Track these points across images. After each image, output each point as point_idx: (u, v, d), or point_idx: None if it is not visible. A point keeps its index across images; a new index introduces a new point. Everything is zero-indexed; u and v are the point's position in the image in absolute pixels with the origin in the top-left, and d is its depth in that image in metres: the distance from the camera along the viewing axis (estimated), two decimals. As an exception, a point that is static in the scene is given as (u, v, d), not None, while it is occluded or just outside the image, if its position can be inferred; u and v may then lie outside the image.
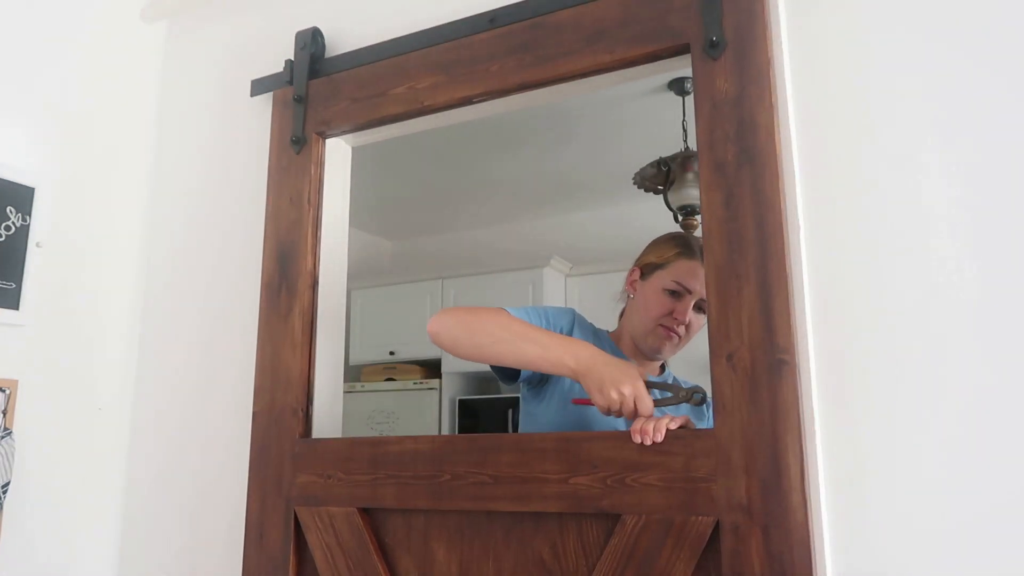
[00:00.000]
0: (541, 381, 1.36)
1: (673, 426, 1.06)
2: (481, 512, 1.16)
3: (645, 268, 1.43)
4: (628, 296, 1.46)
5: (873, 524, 0.95)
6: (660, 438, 1.05)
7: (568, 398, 1.33)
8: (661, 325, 1.37)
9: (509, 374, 1.34)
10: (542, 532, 1.12)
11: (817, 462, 0.98)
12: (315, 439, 1.34)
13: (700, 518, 1.01)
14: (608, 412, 1.14)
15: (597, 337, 1.40)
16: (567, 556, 1.10)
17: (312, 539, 1.27)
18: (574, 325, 1.37)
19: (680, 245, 1.39)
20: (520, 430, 1.43)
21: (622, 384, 1.11)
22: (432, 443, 1.22)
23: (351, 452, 1.27)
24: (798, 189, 1.06)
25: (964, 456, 0.92)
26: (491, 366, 1.33)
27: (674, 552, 1.02)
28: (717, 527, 1.00)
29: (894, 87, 1.03)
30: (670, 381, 1.45)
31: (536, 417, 1.38)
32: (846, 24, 1.07)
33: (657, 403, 1.15)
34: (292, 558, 1.28)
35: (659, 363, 1.48)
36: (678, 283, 1.36)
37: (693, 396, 1.19)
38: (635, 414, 1.11)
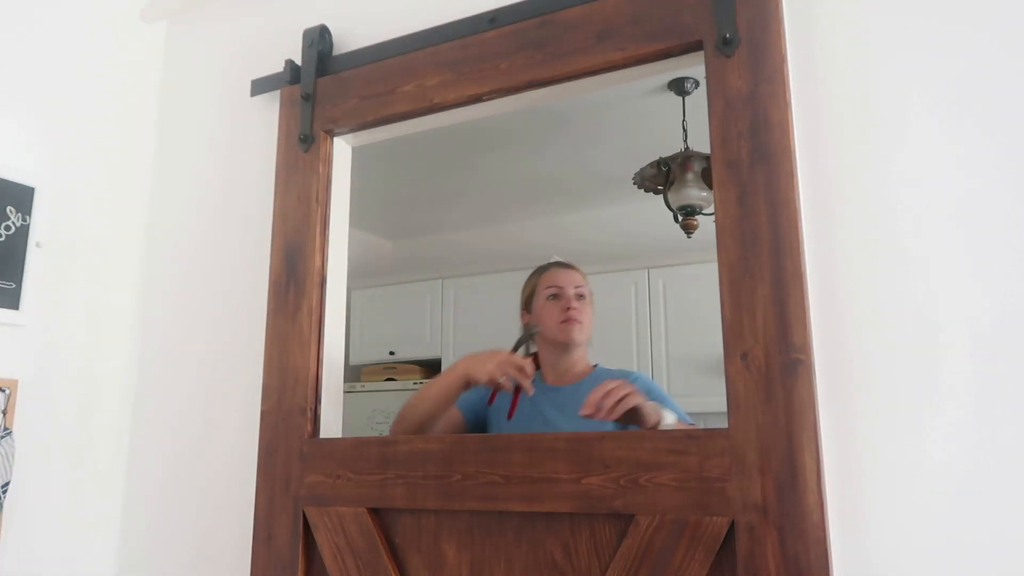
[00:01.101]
0: (485, 420, 1.62)
1: (623, 393, 1.27)
2: (492, 512, 1.15)
3: (526, 304, 1.71)
4: (533, 330, 1.68)
5: (883, 525, 0.95)
6: (614, 413, 1.26)
7: (501, 419, 1.58)
8: (561, 321, 1.61)
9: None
10: (554, 532, 1.12)
11: (824, 463, 0.98)
12: (323, 439, 1.33)
13: (715, 518, 1.00)
14: (495, 383, 1.43)
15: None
16: (579, 556, 1.10)
17: (321, 539, 1.26)
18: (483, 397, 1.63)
19: (532, 273, 1.71)
20: None
21: (488, 358, 1.43)
22: (442, 443, 1.21)
23: (360, 452, 1.26)
24: (810, 187, 1.05)
25: (978, 457, 0.92)
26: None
27: (688, 553, 1.01)
28: (732, 527, 0.99)
29: (907, 83, 1.03)
30: (591, 379, 1.62)
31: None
32: (859, 20, 1.06)
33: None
34: (301, 558, 1.27)
35: (585, 367, 1.67)
36: (551, 287, 1.64)
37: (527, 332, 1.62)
38: (519, 370, 1.41)
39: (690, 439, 1.04)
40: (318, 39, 1.47)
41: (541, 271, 1.69)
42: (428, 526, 1.20)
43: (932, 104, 1.01)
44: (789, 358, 0.99)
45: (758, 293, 1.03)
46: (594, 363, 1.68)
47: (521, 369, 1.42)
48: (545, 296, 1.64)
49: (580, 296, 1.64)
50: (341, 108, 1.42)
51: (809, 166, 1.06)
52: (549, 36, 1.25)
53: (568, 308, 1.61)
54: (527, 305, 1.69)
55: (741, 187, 1.06)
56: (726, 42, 1.09)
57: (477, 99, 1.31)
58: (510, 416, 1.56)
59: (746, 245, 1.04)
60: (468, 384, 1.44)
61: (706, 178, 2.65)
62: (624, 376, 1.55)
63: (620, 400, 1.28)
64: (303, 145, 1.44)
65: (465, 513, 1.18)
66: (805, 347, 0.99)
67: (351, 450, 1.27)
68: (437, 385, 1.47)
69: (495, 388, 1.51)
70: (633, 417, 1.32)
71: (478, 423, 1.61)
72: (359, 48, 1.44)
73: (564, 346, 1.62)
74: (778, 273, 1.02)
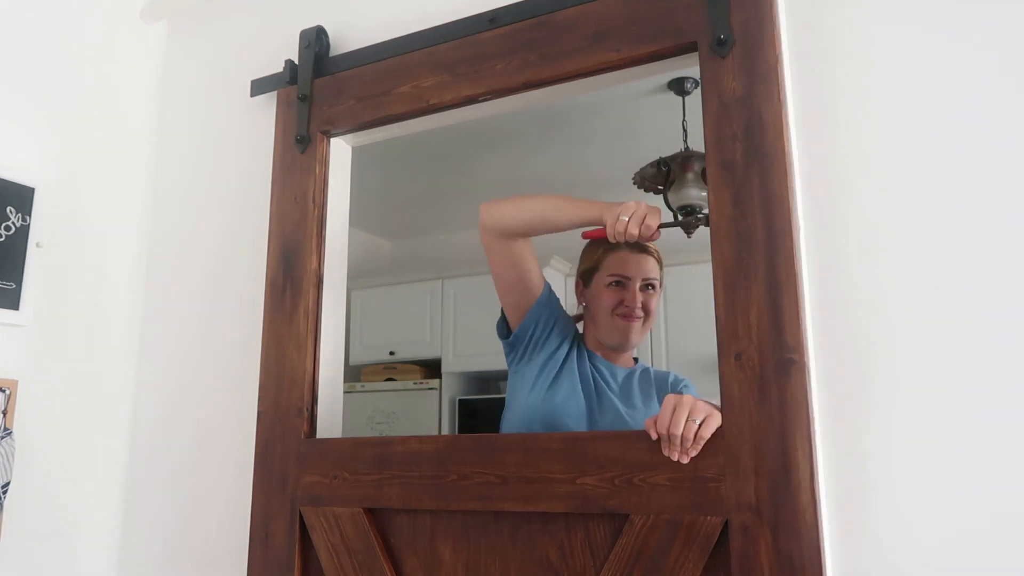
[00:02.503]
0: (528, 345, 1.43)
1: (704, 431, 1.02)
2: (488, 512, 1.16)
3: (584, 276, 1.51)
4: (583, 306, 1.53)
5: (877, 524, 0.95)
6: (695, 451, 1.02)
7: (551, 368, 1.41)
8: (617, 315, 1.43)
9: (504, 331, 1.46)
10: (549, 532, 1.12)
11: (818, 462, 0.98)
12: (320, 439, 1.34)
13: (709, 518, 1.01)
14: (617, 232, 1.21)
15: (578, 348, 1.47)
16: (574, 556, 1.10)
17: (318, 539, 1.27)
18: (568, 328, 1.46)
19: (603, 244, 1.45)
20: (507, 395, 1.48)
21: (634, 206, 1.20)
22: (438, 443, 1.22)
23: (356, 452, 1.26)
24: (804, 188, 1.05)
25: (972, 456, 0.92)
26: (498, 326, 1.47)
27: (683, 552, 1.01)
28: (726, 527, 0.99)
29: (903, 84, 1.03)
30: (640, 372, 1.50)
31: (523, 375, 1.43)
32: (855, 21, 1.07)
33: (662, 225, 1.23)
34: (297, 558, 1.28)
35: (631, 357, 1.52)
36: (615, 275, 1.44)
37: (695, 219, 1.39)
38: (642, 225, 1.19)
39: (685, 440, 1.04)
40: (315, 40, 1.47)
41: (607, 251, 1.46)
42: (424, 526, 1.21)
43: (928, 104, 1.01)
44: (783, 358, 0.99)
45: (752, 293, 1.03)
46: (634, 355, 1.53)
47: (644, 224, 1.20)
48: (607, 282, 1.44)
49: (648, 287, 1.44)
50: (338, 109, 1.42)
51: (803, 167, 1.06)
52: (544, 37, 1.25)
53: (630, 306, 1.42)
54: (585, 277, 1.50)
55: (735, 188, 1.06)
56: (721, 43, 1.09)
57: (473, 100, 1.31)
58: (586, 235, 1.35)
59: (740, 245, 1.05)
60: (599, 222, 1.25)
61: (706, 178, 2.64)
62: (668, 380, 1.45)
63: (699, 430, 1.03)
64: (300, 146, 1.44)
65: (461, 513, 1.18)
66: (799, 347, 0.99)
67: (348, 450, 1.28)
68: (569, 204, 1.30)
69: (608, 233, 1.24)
70: None
71: (543, 327, 1.42)
72: (356, 49, 1.45)
73: (621, 344, 1.45)
74: (772, 273, 1.02)
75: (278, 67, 1.52)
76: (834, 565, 0.95)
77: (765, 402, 1.00)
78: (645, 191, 2.87)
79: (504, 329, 1.47)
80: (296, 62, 1.50)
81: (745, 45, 1.09)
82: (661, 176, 2.75)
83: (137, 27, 1.79)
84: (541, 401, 1.39)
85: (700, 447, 1.02)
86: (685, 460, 1.03)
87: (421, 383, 4.06)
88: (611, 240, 1.24)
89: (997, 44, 0.98)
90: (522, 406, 1.41)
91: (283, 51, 1.54)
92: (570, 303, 1.58)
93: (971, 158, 0.98)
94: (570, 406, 1.38)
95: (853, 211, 1.03)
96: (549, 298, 1.43)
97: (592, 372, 1.44)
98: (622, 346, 1.46)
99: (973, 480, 0.91)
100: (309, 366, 1.35)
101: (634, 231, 1.20)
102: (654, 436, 1.05)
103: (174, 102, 1.77)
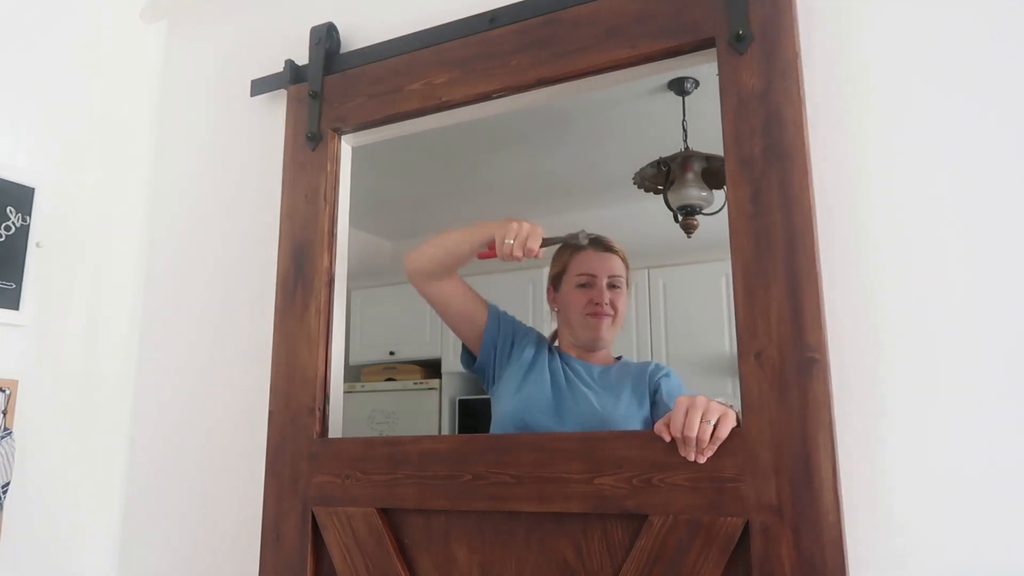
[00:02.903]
0: (495, 365, 1.48)
1: (720, 431, 1.00)
2: (503, 512, 1.14)
3: (554, 281, 1.55)
4: (555, 311, 1.56)
5: (900, 525, 0.94)
6: (711, 451, 1.01)
7: (520, 372, 1.44)
8: (587, 314, 1.46)
9: (468, 361, 1.51)
10: (565, 533, 1.11)
11: (839, 462, 0.97)
12: (332, 439, 1.32)
13: (729, 519, 1.00)
14: (504, 254, 1.28)
15: (549, 350, 1.51)
16: (591, 557, 1.09)
17: (330, 540, 1.25)
18: (528, 336, 1.50)
19: (569, 246, 1.50)
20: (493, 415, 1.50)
21: (517, 227, 1.27)
22: (451, 443, 1.21)
23: (369, 452, 1.25)
24: (825, 185, 1.05)
25: (996, 457, 0.91)
26: (461, 358, 1.53)
27: (702, 553, 1.00)
28: (747, 528, 0.98)
29: (924, 81, 1.02)
30: (619, 367, 1.51)
31: (499, 393, 1.47)
32: (873, 16, 1.06)
33: (544, 244, 1.29)
34: (310, 559, 1.26)
35: (611, 356, 1.54)
36: (581, 274, 1.48)
37: (578, 236, 1.37)
38: (524, 246, 1.25)
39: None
40: (325, 37, 1.46)
41: (575, 250, 1.49)
42: (438, 526, 1.19)
43: (951, 99, 1.00)
44: (804, 357, 0.99)
45: (772, 292, 1.02)
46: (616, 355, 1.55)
47: (526, 248, 1.26)
48: (575, 283, 1.48)
49: (614, 286, 1.47)
50: (348, 106, 1.41)
51: (822, 163, 1.05)
52: (557, 33, 1.24)
53: (599, 303, 1.44)
54: (555, 282, 1.54)
55: (754, 185, 1.05)
56: (739, 39, 1.09)
57: (486, 97, 1.30)
58: (481, 256, 1.38)
59: (760, 243, 1.04)
60: (488, 244, 1.32)
61: (706, 178, 2.65)
62: (648, 369, 1.45)
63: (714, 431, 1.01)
64: (311, 143, 1.43)
65: (475, 513, 1.17)
66: (820, 346, 0.98)
67: (360, 450, 1.26)
68: (469, 232, 1.36)
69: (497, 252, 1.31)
70: None
71: (501, 346, 1.46)
72: (366, 46, 1.43)
73: (592, 341, 1.47)
74: (792, 271, 1.01)
75: (279, 67, 1.51)
76: (856, 567, 0.95)
77: (785, 401, 0.99)
78: (645, 191, 2.87)
79: (468, 360, 1.52)
80: (296, 62, 1.49)
81: (764, 41, 1.08)
82: (661, 176, 2.75)
83: (137, 27, 1.78)
84: (511, 403, 1.42)
85: (716, 447, 1.02)
86: (702, 460, 1.02)
87: (421, 383, 4.04)
88: (501, 259, 1.29)
89: (1017, 33, 0.98)
90: (498, 414, 1.45)
91: (284, 51, 1.53)
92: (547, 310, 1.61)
93: (996, 155, 0.97)
94: (537, 399, 1.41)
95: (873, 209, 1.02)
96: (498, 319, 1.48)
97: (564, 368, 1.46)
98: (595, 343, 1.48)
99: (997, 481, 0.91)
100: (321, 365, 1.33)
101: (518, 253, 1.27)
102: (667, 438, 1.04)
103: (174, 102, 1.76)
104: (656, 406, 1.40)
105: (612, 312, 1.46)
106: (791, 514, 0.96)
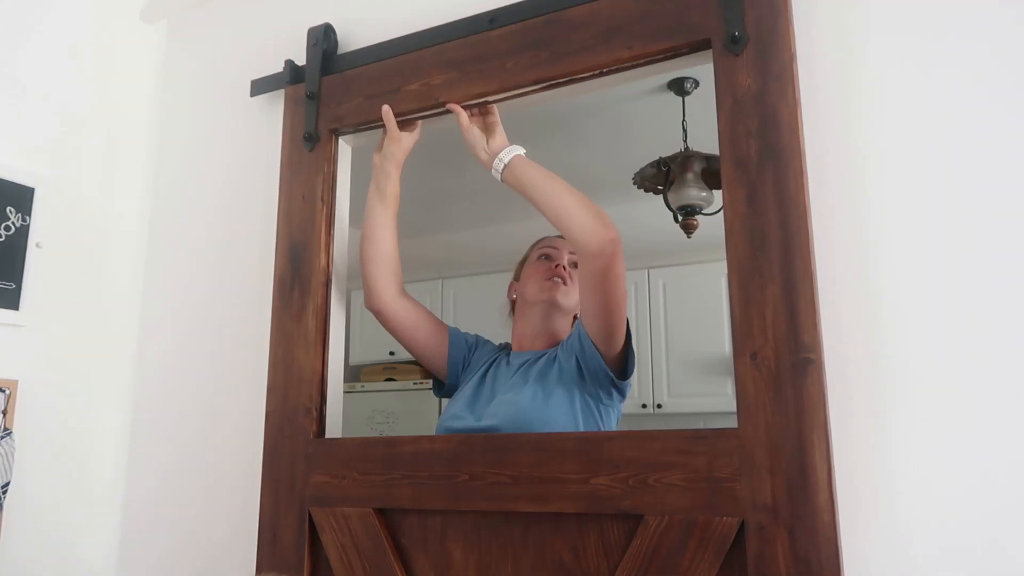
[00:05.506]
0: (461, 381, 1.49)
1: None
2: (499, 513, 1.15)
3: (516, 274, 1.59)
4: (513, 300, 1.58)
5: (895, 525, 0.95)
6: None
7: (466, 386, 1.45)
8: (545, 279, 1.49)
9: (439, 388, 1.53)
10: (562, 533, 1.11)
11: (835, 462, 0.97)
12: (329, 439, 1.33)
13: (724, 519, 1.00)
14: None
15: (503, 350, 1.52)
16: (588, 557, 1.09)
17: (327, 540, 1.25)
18: (487, 347, 1.53)
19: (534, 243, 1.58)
20: None
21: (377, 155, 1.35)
22: (448, 443, 1.21)
23: (366, 452, 1.25)
24: (820, 186, 1.05)
25: (992, 457, 0.92)
26: (433, 389, 1.55)
27: (698, 553, 1.01)
28: (742, 528, 0.99)
29: (921, 81, 1.02)
30: (547, 353, 1.46)
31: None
32: (870, 18, 1.06)
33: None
34: (307, 559, 1.26)
35: (557, 336, 1.50)
36: (544, 248, 1.54)
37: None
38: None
39: (699, 439, 1.04)
40: (322, 38, 1.46)
41: (535, 245, 1.58)
42: (435, 527, 1.20)
43: (946, 102, 1.00)
44: (799, 357, 0.99)
45: (767, 292, 1.02)
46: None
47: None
48: (536, 256, 1.53)
49: (574, 264, 1.48)
50: (346, 107, 1.41)
51: (817, 164, 1.05)
52: (554, 35, 1.24)
53: (556, 266, 1.48)
54: (518, 273, 1.58)
55: (750, 186, 1.06)
56: (735, 40, 1.09)
57: (483, 98, 1.30)
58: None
59: (755, 244, 1.04)
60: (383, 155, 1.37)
61: (706, 178, 2.64)
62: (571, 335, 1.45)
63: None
64: (308, 144, 1.43)
65: (472, 514, 1.17)
66: (815, 346, 0.98)
67: (357, 450, 1.26)
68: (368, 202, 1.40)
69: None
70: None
71: (464, 361, 1.50)
72: (363, 47, 1.44)
73: (546, 307, 1.47)
74: (788, 272, 1.01)
75: (278, 67, 1.52)
76: (851, 567, 0.95)
77: (781, 402, 0.99)
78: (645, 191, 2.87)
79: (438, 388, 1.53)
80: (296, 62, 1.49)
81: (759, 42, 1.08)
82: (661, 176, 2.75)
83: (137, 27, 1.79)
84: (445, 411, 1.44)
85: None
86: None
87: (421, 383, 4.04)
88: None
89: (1020, 44, 0.98)
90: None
91: (283, 51, 1.53)
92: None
93: (990, 156, 0.97)
94: (459, 399, 1.43)
95: (868, 209, 1.02)
96: (457, 337, 1.49)
97: (492, 366, 1.46)
98: (551, 304, 1.47)
99: (993, 481, 0.91)
100: (318, 366, 1.33)
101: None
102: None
103: (174, 102, 1.76)
104: (584, 350, 1.34)
105: (566, 277, 1.48)
106: (786, 514, 0.96)
